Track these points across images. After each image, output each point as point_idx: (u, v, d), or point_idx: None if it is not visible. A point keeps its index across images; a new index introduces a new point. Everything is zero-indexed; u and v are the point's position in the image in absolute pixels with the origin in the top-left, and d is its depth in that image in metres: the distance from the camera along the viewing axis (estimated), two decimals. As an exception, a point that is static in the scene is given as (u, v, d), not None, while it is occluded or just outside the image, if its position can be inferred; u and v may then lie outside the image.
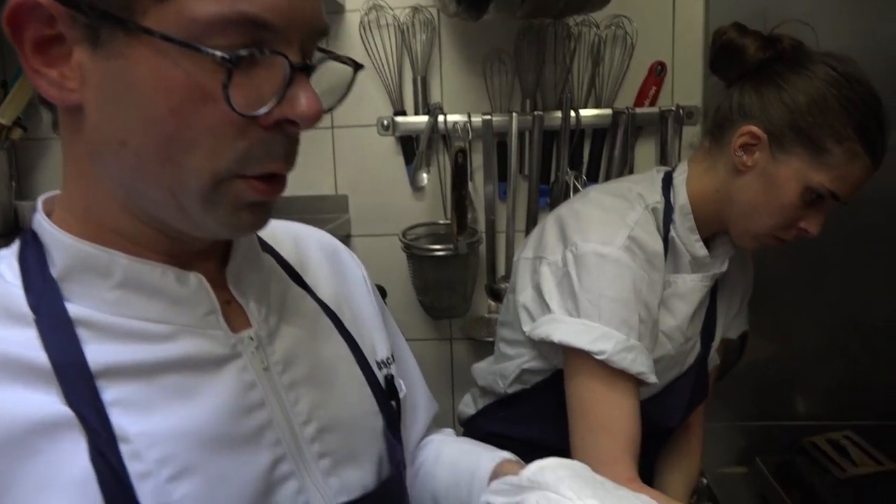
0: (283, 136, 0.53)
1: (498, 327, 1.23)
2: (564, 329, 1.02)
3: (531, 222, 1.59)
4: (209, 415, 0.55)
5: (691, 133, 1.56)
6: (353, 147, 1.64)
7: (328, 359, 0.67)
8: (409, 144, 1.62)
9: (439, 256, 1.53)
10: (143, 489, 0.51)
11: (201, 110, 0.49)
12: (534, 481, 0.62)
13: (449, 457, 0.81)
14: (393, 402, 0.72)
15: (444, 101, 1.60)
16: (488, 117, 1.54)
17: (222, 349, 0.58)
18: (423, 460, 0.84)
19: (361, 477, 0.65)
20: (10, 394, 0.49)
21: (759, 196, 1.05)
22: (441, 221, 1.63)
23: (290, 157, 0.55)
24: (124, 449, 0.51)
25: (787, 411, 1.67)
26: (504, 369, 1.17)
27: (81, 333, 0.53)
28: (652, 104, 1.57)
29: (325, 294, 0.72)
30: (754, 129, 1.03)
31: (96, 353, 0.53)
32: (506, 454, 0.77)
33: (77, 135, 0.54)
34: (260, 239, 0.69)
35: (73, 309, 0.54)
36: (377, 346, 0.76)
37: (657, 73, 1.56)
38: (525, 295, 1.11)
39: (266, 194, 0.54)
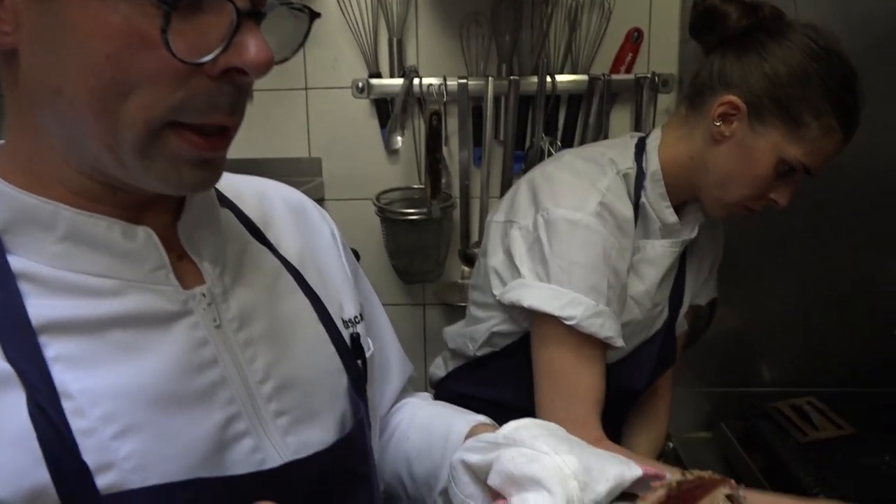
0: (232, 87, 0.51)
1: (469, 290, 1.24)
2: (535, 294, 1.03)
3: (506, 188, 1.58)
4: (157, 372, 0.54)
5: (666, 101, 1.56)
6: (326, 109, 1.62)
7: (288, 316, 0.66)
8: (384, 107, 1.60)
9: (413, 220, 1.53)
10: (86, 446, 0.50)
11: (140, 57, 0.47)
12: (509, 438, 0.62)
13: (423, 420, 0.81)
14: (359, 362, 0.72)
15: (420, 63, 1.58)
16: (464, 81, 1.53)
17: (172, 305, 0.57)
18: (398, 423, 0.84)
19: (321, 435, 0.64)
20: None
21: (734, 166, 1.06)
22: (415, 186, 1.62)
23: (236, 109, 0.52)
24: (67, 405, 0.50)
25: (752, 378, 1.70)
26: (474, 332, 1.18)
27: (23, 287, 0.52)
28: (628, 71, 1.56)
29: (288, 251, 0.71)
30: (734, 98, 1.03)
31: (39, 307, 0.51)
32: (481, 417, 0.77)
33: (16, 82, 0.52)
34: (220, 193, 0.67)
35: (16, 262, 0.52)
36: (344, 304, 0.74)
37: (634, 39, 1.56)
38: (496, 258, 1.12)
39: (204, 149, 0.51)
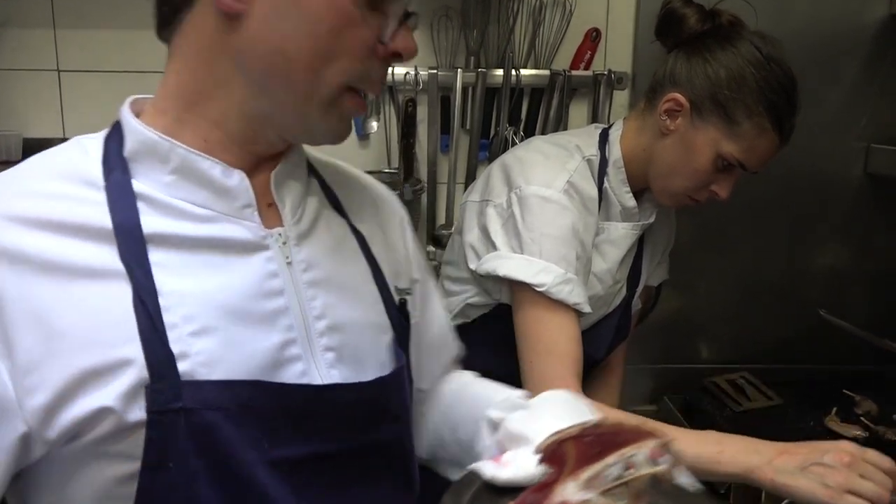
0: (386, 66, 0.68)
1: (442, 266, 1.32)
2: (508, 264, 1.12)
3: (471, 174, 1.67)
4: (233, 289, 0.64)
5: (621, 97, 1.68)
6: (300, 94, 1.67)
7: (349, 272, 0.75)
8: (356, 94, 1.67)
9: (384, 202, 1.60)
10: (169, 337, 0.60)
11: (348, 34, 0.63)
12: (529, 403, 0.74)
13: (472, 391, 0.90)
14: (405, 323, 0.79)
15: (392, 53, 1.65)
16: (434, 72, 1.61)
17: (252, 238, 0.67)
18: (447, 391, 0.92)
19: (360, 377, 0.71)
20: (72, 246, 0.60)
21: (677, 158, 1.16)
22: (385, 170, 1.68)
23: (382, 84, 0.69)
24: (161, 301, 0.60)
25: (691, 356, 1.84)
26: (449, 304, 1.26)
27: (140, 205, 0.63)
28: (586, 68, 1.67)
29: (360, 221, 0.80)
30: (679, 96, 1.14)
31: (150, 222, 0.63)
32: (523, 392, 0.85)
33: (226, 39, 0.63)
34: (311, 165, 0.79)
35: (137, 185, 0.64)
36: (401, 276, 0.83)
37: (592, 38, 1.66)
38: (471, 235, 1.21)
39: (362, 109, 0.69)
